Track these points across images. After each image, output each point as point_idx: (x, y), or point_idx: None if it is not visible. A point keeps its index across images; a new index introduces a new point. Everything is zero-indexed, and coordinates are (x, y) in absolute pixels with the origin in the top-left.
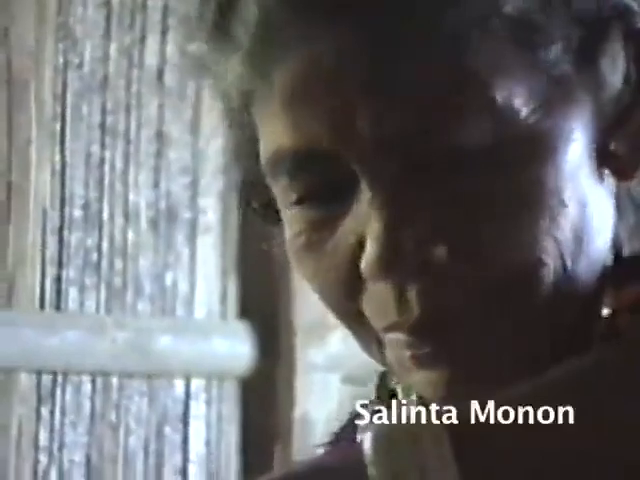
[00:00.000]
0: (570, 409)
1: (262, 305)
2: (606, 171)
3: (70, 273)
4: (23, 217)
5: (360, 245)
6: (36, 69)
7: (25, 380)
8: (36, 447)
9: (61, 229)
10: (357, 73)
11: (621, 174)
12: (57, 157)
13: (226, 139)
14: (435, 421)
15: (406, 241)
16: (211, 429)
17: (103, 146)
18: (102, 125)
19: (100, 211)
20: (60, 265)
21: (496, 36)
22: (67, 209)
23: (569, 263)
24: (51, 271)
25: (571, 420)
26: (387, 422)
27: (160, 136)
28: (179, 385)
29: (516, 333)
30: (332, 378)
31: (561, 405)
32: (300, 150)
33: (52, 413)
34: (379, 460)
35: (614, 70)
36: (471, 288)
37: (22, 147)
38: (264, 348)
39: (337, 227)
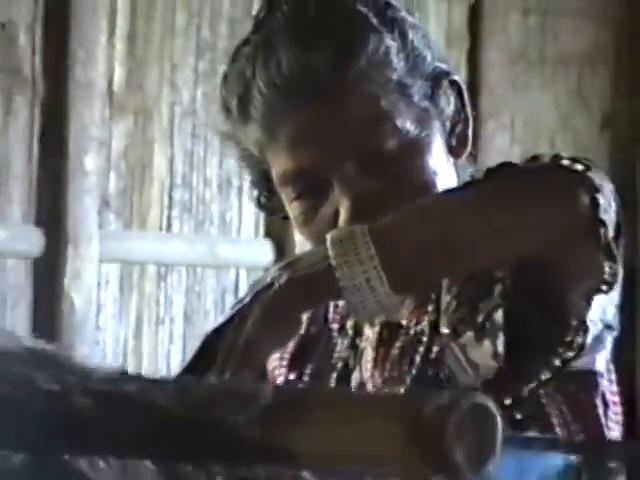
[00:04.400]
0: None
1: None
2: (450, 155)
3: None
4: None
5: (335, 214)
6: None
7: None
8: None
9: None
10: (321, 132)
11: (456, 156)
12: None
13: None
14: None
15: (359, 208)
16: None
17: None
18: None
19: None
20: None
21: (390, 92)
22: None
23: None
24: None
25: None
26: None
27: None
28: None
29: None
30: None
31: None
32: (297, 170)
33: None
34: (333, 248)
35: (448, 103)
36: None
37: None
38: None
39: (319, 208)
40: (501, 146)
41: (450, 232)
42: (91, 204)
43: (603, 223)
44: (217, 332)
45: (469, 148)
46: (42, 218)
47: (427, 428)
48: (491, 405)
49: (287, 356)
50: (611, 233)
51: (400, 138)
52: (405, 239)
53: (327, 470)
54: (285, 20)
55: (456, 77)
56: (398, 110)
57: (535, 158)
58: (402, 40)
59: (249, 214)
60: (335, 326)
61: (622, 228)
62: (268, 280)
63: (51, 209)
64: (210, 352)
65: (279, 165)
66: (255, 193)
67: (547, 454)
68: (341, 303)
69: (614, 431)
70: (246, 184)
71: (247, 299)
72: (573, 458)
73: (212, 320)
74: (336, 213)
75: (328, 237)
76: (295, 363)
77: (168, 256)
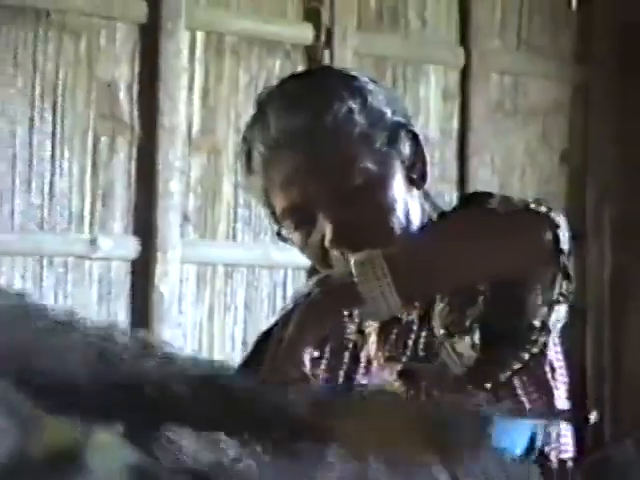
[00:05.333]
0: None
1: None
2: (412, 187)
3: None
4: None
5: (322, 239)
6: None
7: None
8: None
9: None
10: (304, 176)
11: (417, 186)
12: None
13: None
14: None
15: (339, 231)
16: None
17: None
18: None
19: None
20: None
21: (358, 141)
22: None
23: (399, 228)
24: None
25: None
26: (358, 256)
27: None
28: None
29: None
30: None
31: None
32: (290, 207)
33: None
34: (356, 268)
35: (405, 147)
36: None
37: None
38: None
39: (312, 232)
40: (483, 177)
41: (445, 257)
42: (175, 219)
43: (562, 252)
44: (266, 334)
45: (428, 180)
46: (138, 230)
47: (441, 422)
48: (489, 413)
49: None
50: (567, 259)
51: (365, 176)
52: (411, 262)
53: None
54: (275, 95)
55: (412, 127)
56: (362, 155)
57: (508, 199)
58: (363, 103)
59: None
60: (345, 313)
61: (571, 251)
62: (306, 292)
63: (145, 223)
64: (261, 349)
65: (278, 205)
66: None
67: (519, 422)
68: None
69: (561, 390)
70: None
71: (289, 307)
72: (535, 424)
73: (266, 309)
74: (322, 238)
75: (352, 260)
76: (319, 344)
77: (233, 259)
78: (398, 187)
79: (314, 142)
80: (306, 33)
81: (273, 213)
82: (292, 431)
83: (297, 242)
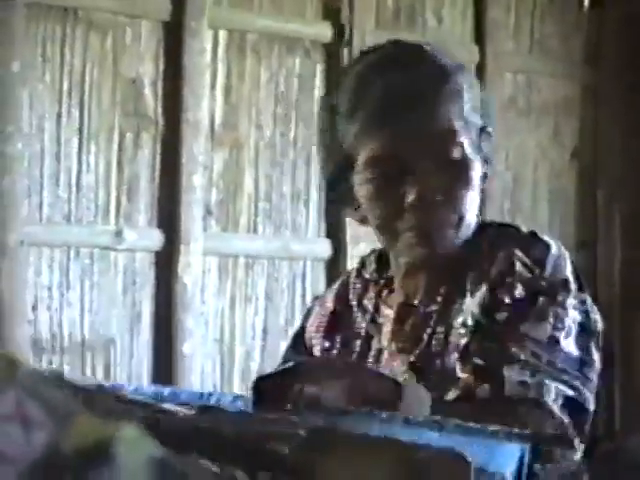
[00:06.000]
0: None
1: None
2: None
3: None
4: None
5: (404, 196)
6: None
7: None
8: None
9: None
10: (414, 132)
11: (486, 180)
12: None
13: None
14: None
15: (424, 196)
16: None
17: None
18: None
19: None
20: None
21: (462, 119)
22: None
23: (467, 217)
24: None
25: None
26: None
27: None
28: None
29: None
30: None
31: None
32: (388, 156)
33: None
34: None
35: (485, 145)
36: (443, 219)
37: None
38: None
39: (389, 189)
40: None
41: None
42: (198, 212)
43: (567, 440)
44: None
45: (484, 184)
46: (162, 222)
47: (417, 470)
48: (466, 456)
49: (322, 329)
50: (570, 430)
51: (461, 154)
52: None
53: None
54: (391, 52)
55: (491, 130)
56: (462, 132)
57: (535, 234)
58: (470, 85)
59: (314, 220)
60: (354, 303)
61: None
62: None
63: (168, 216)
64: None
65: (374, 149)
66: (327, 192)
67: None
68: (358, 285)
69: None
70: (312, 197)
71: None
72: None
73: (285, 299)
74: (401, 197)
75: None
76: (328, 334)
77: (254, 251)
78: (477, 177)
79: (426, 103)
80: (325, 31)
81: (344, 162)
82: (272, 468)
83: (370, 192)
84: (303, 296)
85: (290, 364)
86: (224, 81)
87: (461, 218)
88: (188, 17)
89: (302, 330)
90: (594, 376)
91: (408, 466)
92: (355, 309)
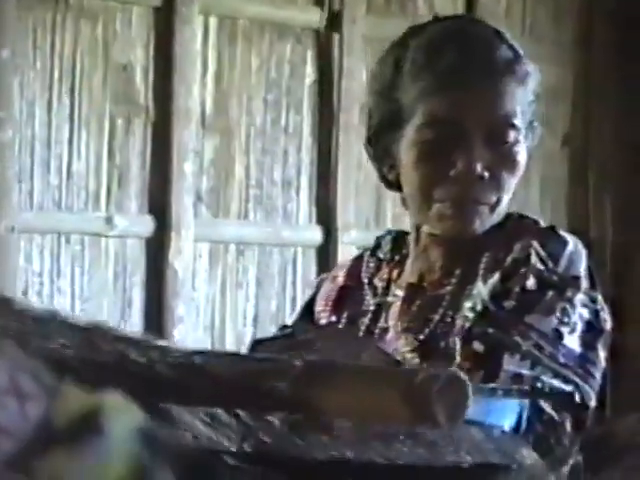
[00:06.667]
0: None
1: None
2: None
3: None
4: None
5: (451, 164)
6: None
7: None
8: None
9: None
10: (480, 101)
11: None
12: None
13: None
14: None
15: (474, 166)
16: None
17: None
18: None
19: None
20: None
21: (520, 104)
22: None
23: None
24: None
25: None
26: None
27: None
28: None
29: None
30: None
31: None
32: (450, 118)
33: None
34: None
35: (530, 137)
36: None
37: None
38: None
39: (440, 154)
40: None
41: None
42: (189, 199)
43: (566, 396)
44: (258, 342)
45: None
46: (153, 209)
47: (417, 392)
48: (463, 376)
49: (331, 303)
50: (564, 427)
51: (516, 137)
52: None
53: (345, 420)
54: (469, 23)
55: (537, 125)
56: (520, 119)
57: (554, 229)
58: (534, 75)
59: (304, 207)
60: (365, 281)
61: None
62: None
63: (159, 202)
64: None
65: (435, 110)
66: (366, 147)
67: (505, 399)
68: (372, 264)
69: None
70: (303, 184)
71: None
72: (522, 401)
73: (276, 285)
74: (449, 164)
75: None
76: (336, 308)
77: (245, 237)
78: (523, 166)
79: (496, 80)
80: (316, 18)
81: (395, 120)
82: (275, 407)
83: (419, 153)
84: (294, 283)
85: (288, 330)
86: (215, 67)
87: (499, 200)
88: (179, 3)
89: (312, 301)
90: (598, 374)
91: (407, 389)
92: (366, 287)
